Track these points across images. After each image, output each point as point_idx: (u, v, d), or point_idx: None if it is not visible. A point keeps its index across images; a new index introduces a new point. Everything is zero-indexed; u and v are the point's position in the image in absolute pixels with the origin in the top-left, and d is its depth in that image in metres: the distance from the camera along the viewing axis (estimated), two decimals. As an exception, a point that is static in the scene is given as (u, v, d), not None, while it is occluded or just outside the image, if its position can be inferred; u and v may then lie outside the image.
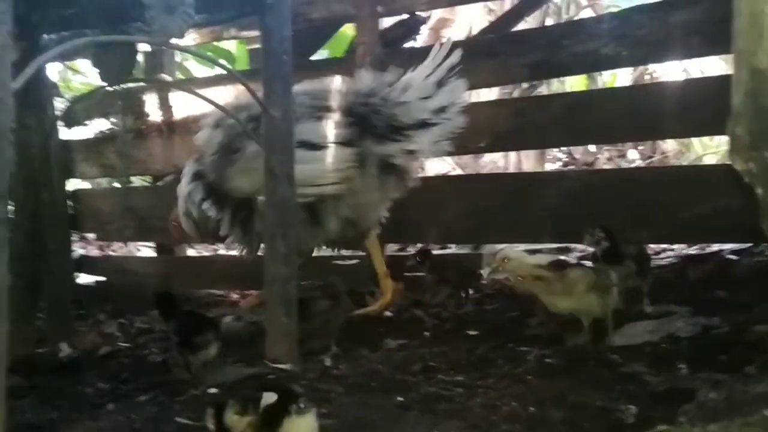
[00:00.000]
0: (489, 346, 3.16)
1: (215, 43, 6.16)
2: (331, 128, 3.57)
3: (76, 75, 7.93)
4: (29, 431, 2.50)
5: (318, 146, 3.52)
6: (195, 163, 3.82)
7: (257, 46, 5.78)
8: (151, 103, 5.19)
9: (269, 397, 1.93)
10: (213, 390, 2.80)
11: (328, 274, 4.29)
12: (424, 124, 3.59)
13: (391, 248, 5.14)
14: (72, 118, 5.01)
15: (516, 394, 2.46)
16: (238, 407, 1.93)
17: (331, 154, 3.55)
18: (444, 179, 5.96)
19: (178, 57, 6.05)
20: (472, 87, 5.14)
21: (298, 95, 3.37)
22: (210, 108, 3.56)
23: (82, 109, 5.04)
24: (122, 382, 3.08)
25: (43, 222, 3.65)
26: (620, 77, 8.53)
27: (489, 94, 6.99)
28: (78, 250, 6.03)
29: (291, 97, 3.12)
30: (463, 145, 4.61)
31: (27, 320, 3.46)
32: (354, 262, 4.95)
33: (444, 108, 3.64)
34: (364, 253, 4.67)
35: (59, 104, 4.93)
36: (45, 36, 3.51)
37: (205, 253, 6.20)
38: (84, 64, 7.46)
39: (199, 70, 7.45)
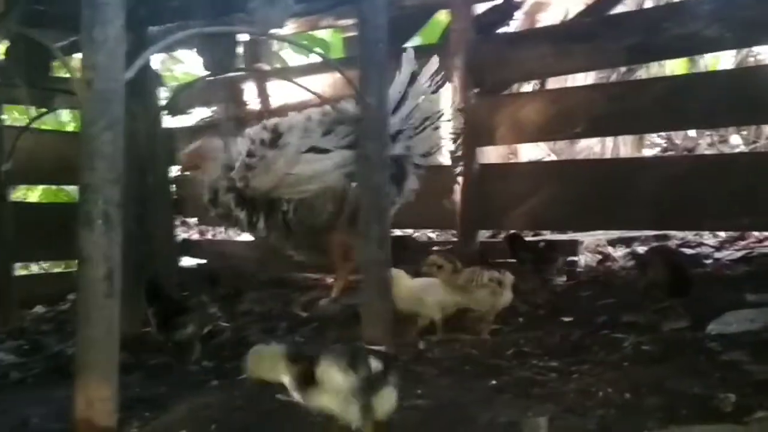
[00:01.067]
0: (584, 332, 3.14)
1: (310, 32, 6.26)
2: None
3: (177, 65, 8.21)
4: (138, 404, 2.63)
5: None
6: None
7: (352, 34, 5.88)
8: (249, 92, 5.34)
9: (376, 365, 1.98)
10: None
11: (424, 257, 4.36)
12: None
13: (483, 234, 5.14)
14: (175, 107, 5.19)
15: (611, 380, 2.44)
16: (345, 364, 1.94)
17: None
18: (538, 165, 5.90)
19: (274, 46, 6.18)
20: (569, 71, 5.10)
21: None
22: (307, 96, 3.67)
23: (184, 97, 5.22)
24: (225, 361, 3.20)
25: (148, 207, 3.83)
26: (723, 60, 8.23)
27: (585, 78, 6.87)
28: (180, 234, 6.26)
29: (386, 84, 3.16)
30: (558, 130, 4.59)
31: (134, 301, 3.62)
32: (449, 246, 4.98)
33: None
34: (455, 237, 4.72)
35: (162, 93, 5.13)
36: (151, 28, 3.66)
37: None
38: (185, 54, 7.75)
39: (293, 59, 7.59)
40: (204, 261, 5.65)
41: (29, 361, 3.37)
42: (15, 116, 5.98)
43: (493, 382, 2.55)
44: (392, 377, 1.98)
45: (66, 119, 7.33)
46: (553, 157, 7.71)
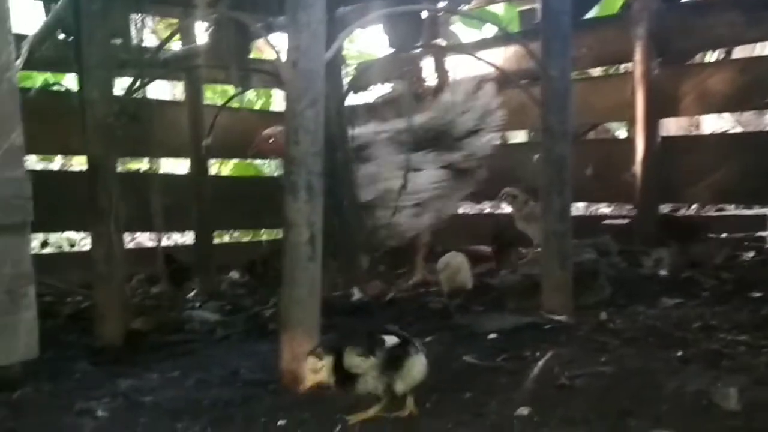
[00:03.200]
0: (773, 308, 3.04)
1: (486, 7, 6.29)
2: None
3: (351, 43, 8.49)
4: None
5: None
6: None
7: (527, 7, 5.87)
8: (428, 68, 5.47)
9: (390, 340, 2.10)
10: (493, 335, 2.99)
11: (600, 233, 4.36)
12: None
13: (665, 208, 5.03)
14: (358, 85, 5.41)
15: (806, 356, 2.37)
16: (361, 349, 2.07)
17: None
18: (724, 137, 5.65)
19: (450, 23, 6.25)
20: (760, 39, 4.86)
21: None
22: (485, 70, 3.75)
23: (366, 75, 5.42)
24: (408, 325, 3.35)
25: (337, 180, 4.04)
26: None
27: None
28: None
29: (570, 56, 3.18)
30: (747, 100, 4.40)
31: (326, 267, 3.85)
32: (623, 221, 4.92)
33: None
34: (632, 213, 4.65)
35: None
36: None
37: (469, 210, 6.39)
38: (358, 34, 7.98)
39: (465, 34, 7.64)
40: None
41: (231, 320, 3.68)
42: (208, 95, 6.44)
43: (680, 353, 2.54)
44: (413, 349, 2.09)
45: (253, 98, 7.78)
46: (739, 130, 7.33)
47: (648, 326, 2.96)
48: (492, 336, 2.99)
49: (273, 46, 2.82)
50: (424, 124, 4.27)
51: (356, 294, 3.93)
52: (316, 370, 2.08)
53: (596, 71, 6.12)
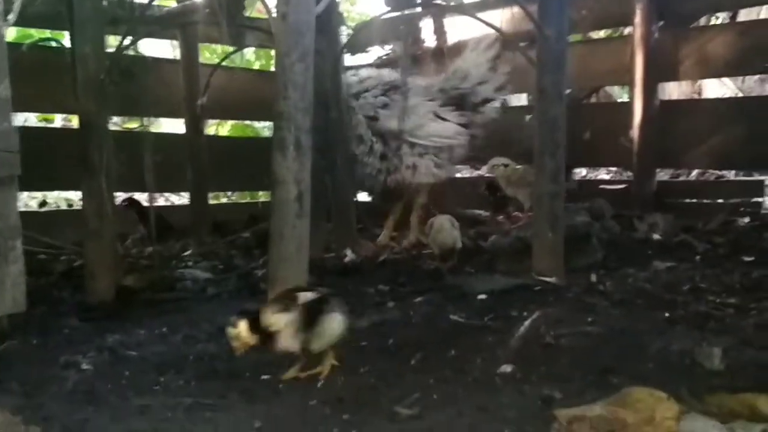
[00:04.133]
0: (765, 272, 3.03)
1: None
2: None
3: (354, 5, 8.41)
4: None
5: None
6: None
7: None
8: (426, 29, 5.41)
9: (305, 297, 2.12)
10: (482, 296, 2.99)
11: (596, 197, 4.34)
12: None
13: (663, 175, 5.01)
14: (356, 45, 5.36)
15: (794, 318, 2.37)
16: (277, 307, 2.09)
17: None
18: (724, 102, 5.59)
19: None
20: (760, 3, 4.79)
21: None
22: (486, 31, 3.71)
23: (363, 36, 5.36)
24: (400, 285, 3.36)
25: (330, 139, 4.02)
26: None
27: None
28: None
29: (566, 17, 3.14)
30: (748, 65, 4.35)
31: (317, 227, 3.83)
32: (621, 186, 4.90)
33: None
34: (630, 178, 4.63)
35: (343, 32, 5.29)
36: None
37: (467, 175, 6.37)
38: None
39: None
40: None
41: (223, 278, 3.68)
42: (206, 56, 6.39)
43: (666, 314, 2.54)
44: (331, 308, 2.13)
45: (251, 58, 7.71)
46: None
47: (637, 288, 2.96)
48: (482, 297, 2.99)
49: (264, 2, 2.79)
50: (449, 85, 4.42)
51: (349, 255, 3.93)
52: (236, 337, 2.07)
53: (598, 34, 6.05)
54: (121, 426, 1.82)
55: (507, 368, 2.10)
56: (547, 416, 1.67)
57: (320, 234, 3.88)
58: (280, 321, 2.07)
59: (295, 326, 2.07)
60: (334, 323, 2.13)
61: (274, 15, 2.52)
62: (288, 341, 2.08)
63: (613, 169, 6.09)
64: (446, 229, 3.51)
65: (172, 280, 3.58)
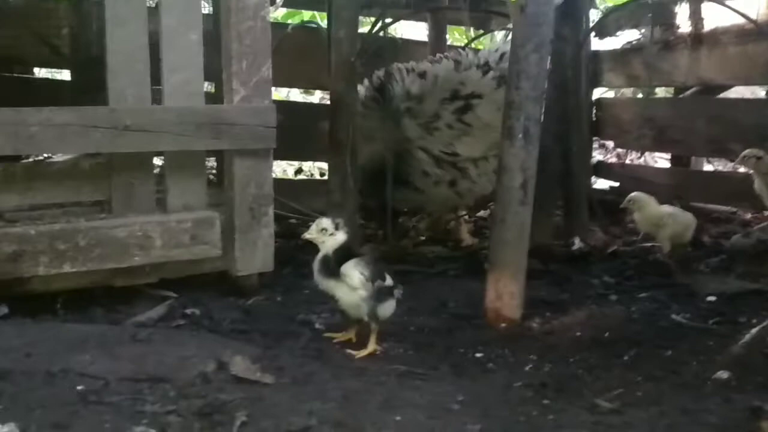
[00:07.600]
0: None
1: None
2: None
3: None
4: (541, 305, 2.87)
5: None
6: None
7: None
8: (681, 15, 5.15)
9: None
10: (711, 298, 2.88)
11: None
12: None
13: None
14: (604, 29, 5.24)
15: None
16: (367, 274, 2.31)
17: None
18: None
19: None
20: None
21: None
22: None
23: (614, 20, 5.22)
24: (626, 279, 3.31)
25: (568, 126, 4.00)
26: None
27: None
28: (596, 155, 6.35)
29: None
30: None
31: (548, 214, 3.85)
32: None
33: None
34: None
35: (593, 16, 5.19)
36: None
37: (721, 169, 6.01)
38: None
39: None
40: (617, 184, 5.69)
41: (452, 256, 3.82)
42: (456, 37, 6.54)
43: None
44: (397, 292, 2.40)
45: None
46: None
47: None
48: (711, 298, 2.89)
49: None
50: None
51: (577, 243, 3.91)
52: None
53: None
54: (339, 383, 2.02)
55: (723, 374, 2.05)
56: (752, 427, 1.62)
57: (549, 221, 3.89)
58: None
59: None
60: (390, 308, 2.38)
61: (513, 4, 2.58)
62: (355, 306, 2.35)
63: None
64: (673, 223, 3.39)
65: (404, 254, 3.78)
